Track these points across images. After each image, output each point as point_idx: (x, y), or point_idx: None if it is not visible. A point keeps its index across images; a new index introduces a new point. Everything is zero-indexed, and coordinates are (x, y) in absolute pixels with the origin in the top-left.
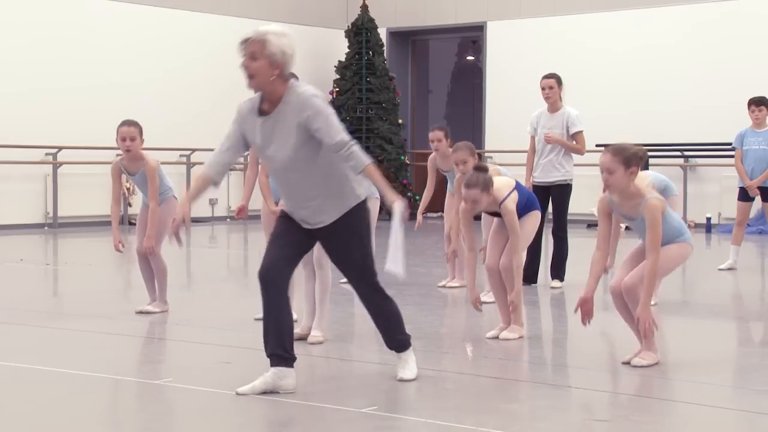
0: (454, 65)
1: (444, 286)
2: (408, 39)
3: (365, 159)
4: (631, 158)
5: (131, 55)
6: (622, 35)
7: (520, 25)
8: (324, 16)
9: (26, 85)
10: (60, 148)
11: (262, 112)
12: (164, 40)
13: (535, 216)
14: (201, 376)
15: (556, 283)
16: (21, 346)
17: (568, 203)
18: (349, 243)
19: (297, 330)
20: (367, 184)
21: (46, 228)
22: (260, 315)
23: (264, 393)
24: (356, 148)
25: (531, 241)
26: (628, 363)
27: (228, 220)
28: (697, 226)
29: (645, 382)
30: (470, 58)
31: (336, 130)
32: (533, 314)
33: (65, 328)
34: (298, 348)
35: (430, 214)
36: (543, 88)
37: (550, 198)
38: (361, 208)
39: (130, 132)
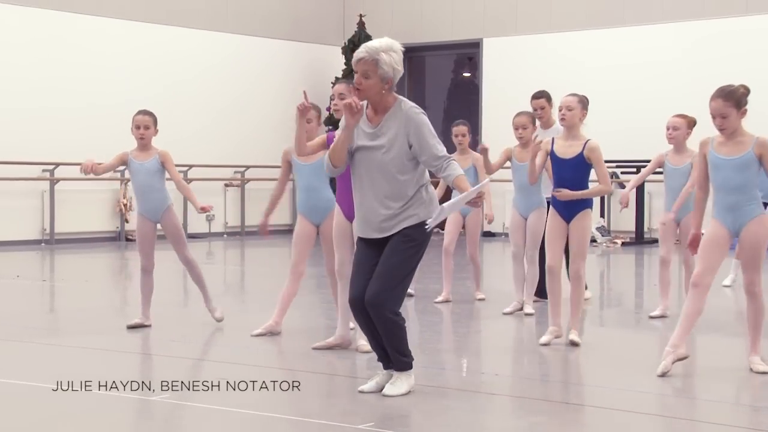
0: (450, 81)
1: (441, 302)
2: (405, 56)
3: (458, 170)
4: (741, 99)
5: (129, 72)
6: (617, 52)
7: (516, 42)
8: (321, 33)
9: (24, 103)
10: (57, 165)
11: (369, 119)
12: (163, 57)
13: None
14: (197, 392)
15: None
16: (16, 362)
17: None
18: (403, 251)
19: (330, 339)
20: (436, 206)
21: (42, 244)
22: (257, 331)
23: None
24: (453, 163)
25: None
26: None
27: (225, 236)
28: None
29: (642, 399)
30: (466, 74)
31: (437, 146)
32: (535, 328)
33: (61, 344)
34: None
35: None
36: (535, 109)
37: None
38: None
39: (144, 120)
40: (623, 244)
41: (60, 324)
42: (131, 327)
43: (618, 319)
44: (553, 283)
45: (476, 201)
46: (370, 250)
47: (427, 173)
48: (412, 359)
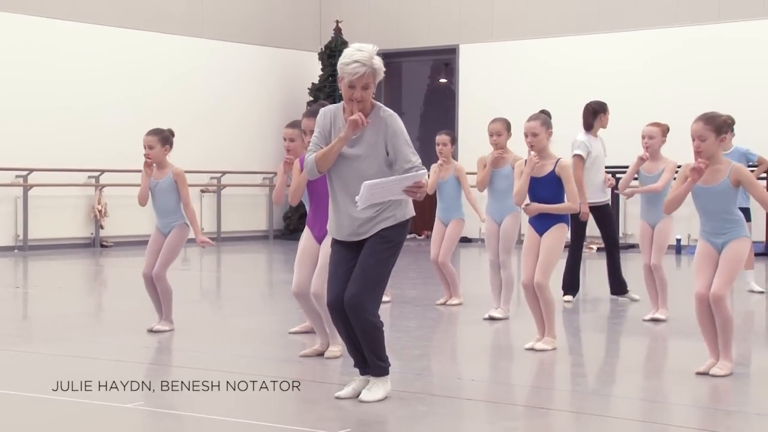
0: (426, 87)
1: (444, 304)
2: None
3: (422, 178)
4: (722, 126)
5: (105, 78)
6: (591, 58)
7: (492, 48)
8: (297, 39)
9: None
10: (31, 171)
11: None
12: (137, 62)
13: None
14: (172, 399)
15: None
16: None
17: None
18: (380, 252)
19: (316, 346)
20: (410, 209)
21: (16, 250)
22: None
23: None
24: (420, 171)
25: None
26: (705, 373)
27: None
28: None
29: (613, 402)
30: (443, 80)
31: (411, 157)
32: (510, 333)
33: (34, 351)
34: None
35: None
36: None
37: (598, 217)
38: (404, 226)
39: (147, 141)
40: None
41: (33, 331)
42: (150, 331)
43: (593, 324)
44: (529, 298)
45: (413, 190)
46: (347, 251)
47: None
48: (389, 365)
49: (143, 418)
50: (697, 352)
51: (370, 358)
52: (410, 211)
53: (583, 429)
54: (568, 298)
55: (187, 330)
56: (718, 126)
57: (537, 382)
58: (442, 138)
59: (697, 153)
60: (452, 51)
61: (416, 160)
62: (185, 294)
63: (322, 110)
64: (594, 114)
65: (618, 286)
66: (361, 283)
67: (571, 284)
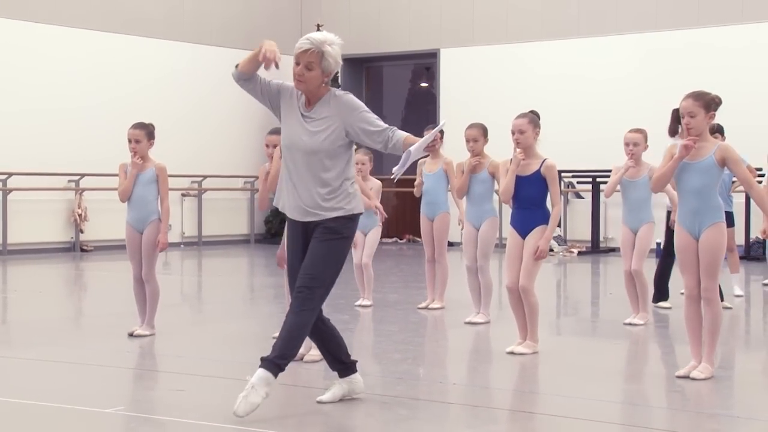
0: (407, 91)
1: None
2: (362, 65)
3: (402, 134)
4: (710, 102)
5: (85, 81)
6: (572, 63)
7: (472, 53)
8: (278, 42)
9: None
10: (10, 174)
11: (304, 107)
12: (117, 66)
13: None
14: (153, 404)
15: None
16: None
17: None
18: (332, 245)
19: (301, 350)
20: (360, 203)
21: None
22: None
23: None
24: (397, 131)
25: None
26: (686, 376)
27: (181, 246)
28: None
29: (594, 405)
30: (424, 84)
31: (377, 122)
32: (491, 337)
33: (13, 356)
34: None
35: (387, 240)
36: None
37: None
38: (353, 220)
39: (135, 134)
40: (579, 253)
41: (12, 336)
42: (131, 335)
43: (574, 327)
44: (513, 301)
45: (432, 145)
46: (301, 254)
47: (354, 169)
48: (354, 362)
49: (124, 423)
50: (679, 356)
51: (332, 358)
52: (359, 207)
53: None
54: (664, 304)
55: (168, 334)
56: (707, 102)
57: (519, 386)
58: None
59: (688, 129)
60: (433, 55)
61: (382, 122)
62: (166, 298)
63: (285, 84)
64: (678, 119)
65: (659, 294)
66: (309, 283)
67: (661, 290)
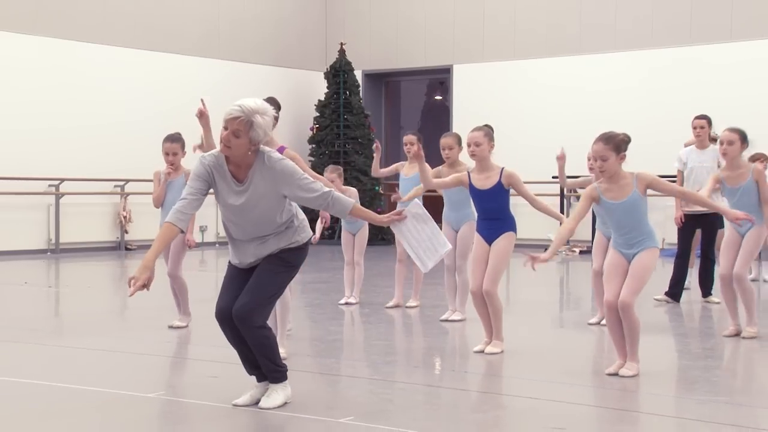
0: (423, 104)
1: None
2: (381, 80)
3: (348, 201)
4: (620, 144)
5: (128, 96)
6: (578, 78)
7: (483, 68)
8: (305, 60)
9: (32, 124)
10: (62, 180)
11: (235, 177)
12: (158, 83)
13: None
14: (190, 389)
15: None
16: (23, 362)
17: (717, 230)
18: (276, 270)
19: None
20: (308, 232)
21: (48, 253)
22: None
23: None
24: (336, 195)
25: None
26: (615, 374)
27: (217, 245)
28: None
29: (605, 394)
30: (438, 97)
31: (313, 187)
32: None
33: (65, 345)
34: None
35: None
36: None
37: (701, 226)
38: (303, 249)
39: (172, 148)
40: (581, 252)
41: (64, 327)
42: (171, 327)
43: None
44: (477, 304)
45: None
46: (242, 270)
47: (295, 206)
48: (286, 369)
49: (165, 406)
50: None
51: (265, 365)
52: (308, 235)
53: (570, 417)
54: (663, 296)
55: (203, 326)
56: (617, 144)
57: (532, 375)
58: (409, 138)
59: (601, 172)
60: (447, 71)
61: (319, 186)
62: (202, 292)
63: (201, 160)
64: None
65: (705, 288)
66: (252, 295)
67: (676, 289)
